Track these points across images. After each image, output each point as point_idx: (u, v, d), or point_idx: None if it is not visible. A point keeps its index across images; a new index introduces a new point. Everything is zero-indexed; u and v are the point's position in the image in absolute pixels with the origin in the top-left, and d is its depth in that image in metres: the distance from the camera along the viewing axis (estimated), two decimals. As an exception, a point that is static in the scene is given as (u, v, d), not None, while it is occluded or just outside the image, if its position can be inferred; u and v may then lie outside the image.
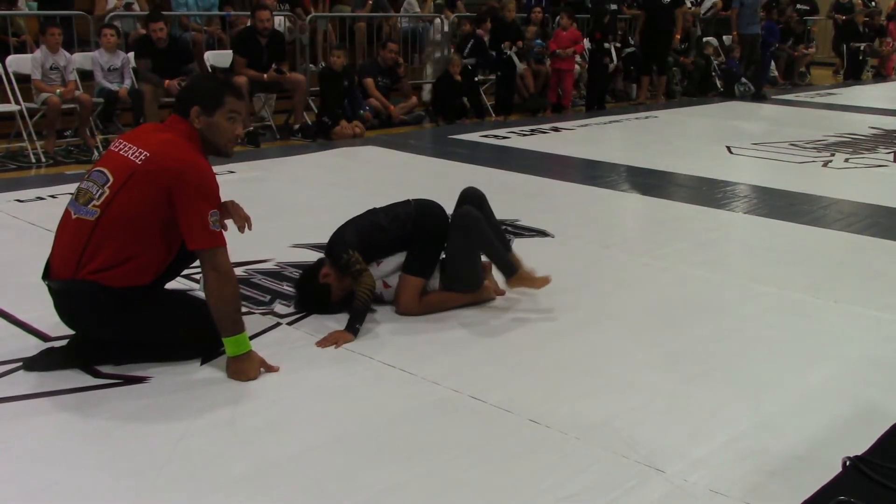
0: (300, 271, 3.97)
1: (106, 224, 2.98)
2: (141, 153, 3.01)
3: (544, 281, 3.75)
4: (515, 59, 10.60)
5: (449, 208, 3.88)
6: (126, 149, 3.06)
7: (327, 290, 3.61)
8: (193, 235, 2.99)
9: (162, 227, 3.02)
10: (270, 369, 3.12)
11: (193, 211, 2.96)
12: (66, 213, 3.11)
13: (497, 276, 3.86)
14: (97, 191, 3.01)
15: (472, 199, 3.89)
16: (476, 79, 10.45)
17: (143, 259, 3.04)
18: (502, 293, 3.91)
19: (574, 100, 11.45)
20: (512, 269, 3.73)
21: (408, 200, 3.85)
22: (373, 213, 3.79)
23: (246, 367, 3.07)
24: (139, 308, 3.07)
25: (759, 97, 12.52)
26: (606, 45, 11.06)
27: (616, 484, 2.45)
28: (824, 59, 17.47)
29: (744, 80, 12.65)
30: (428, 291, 3.73)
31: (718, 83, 12.99)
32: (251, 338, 3.17)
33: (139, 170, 2.97)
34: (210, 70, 8.75)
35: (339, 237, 3.65)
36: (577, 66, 11.34)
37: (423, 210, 3.79)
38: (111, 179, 3.01)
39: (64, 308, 3.12)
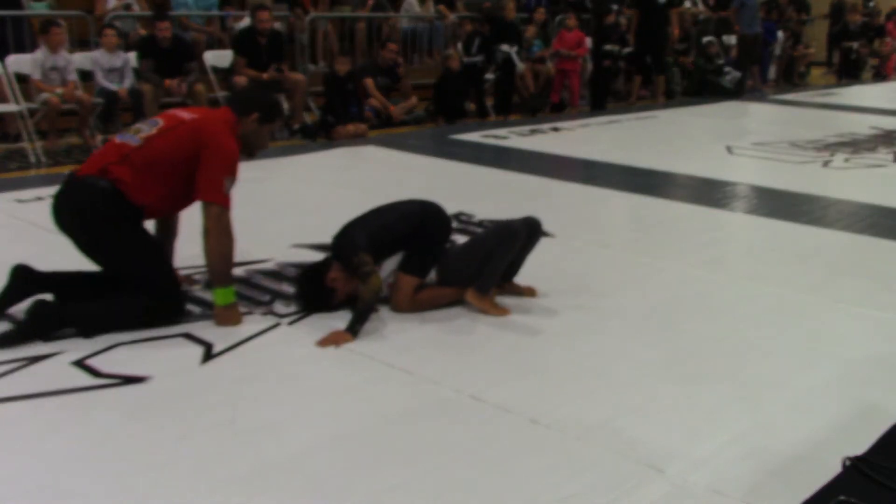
0: (301, 270, 3.97)
1: (142, 152, 3.39)
2: (192, 115, 3.54)
3: (501, 311, 3.73)
4: (516, 58, 10.59)
5: (449, 208, 3.87)
6: (180, 112, 3.60)
7: (331, 292, 3.62)
8: (209, 188, 3.39)
9: (181, 179, 3.42)
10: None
11: (215, 169, 3.40)
12: (110, 140, 3.61)
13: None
14: (147, 129, 3.48)
15: (532, 226, 3.87)
16: (487, 76, 10.38)
17: (159, 191, 3.43)
18: (532, 293, 3.95)
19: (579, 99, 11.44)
20: (485, 290, 3.71)
21: (412, 200, 3.86)
22: (377, 213, 3.78)
23: (232, 314, 3.46)
24: (132, 229, 3.41)
25: (742, 86, 12.49)
26: (608, 46, 11.04)
27: (616, 484, 2.45)
28: (825, 59, 17.45)
29: (727, 68, 12.60)
30: (426, 284, 3.74)
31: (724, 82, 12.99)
32: (251, 337, 3.18)
33: (186, 123, 3.46)
34: (210, 70, 8.76)
35: (348, 239, 3.63)
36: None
37: (429, 212, 3.80)
38: (161, 123, 3.50)
39: (67, 205, 3.39)
